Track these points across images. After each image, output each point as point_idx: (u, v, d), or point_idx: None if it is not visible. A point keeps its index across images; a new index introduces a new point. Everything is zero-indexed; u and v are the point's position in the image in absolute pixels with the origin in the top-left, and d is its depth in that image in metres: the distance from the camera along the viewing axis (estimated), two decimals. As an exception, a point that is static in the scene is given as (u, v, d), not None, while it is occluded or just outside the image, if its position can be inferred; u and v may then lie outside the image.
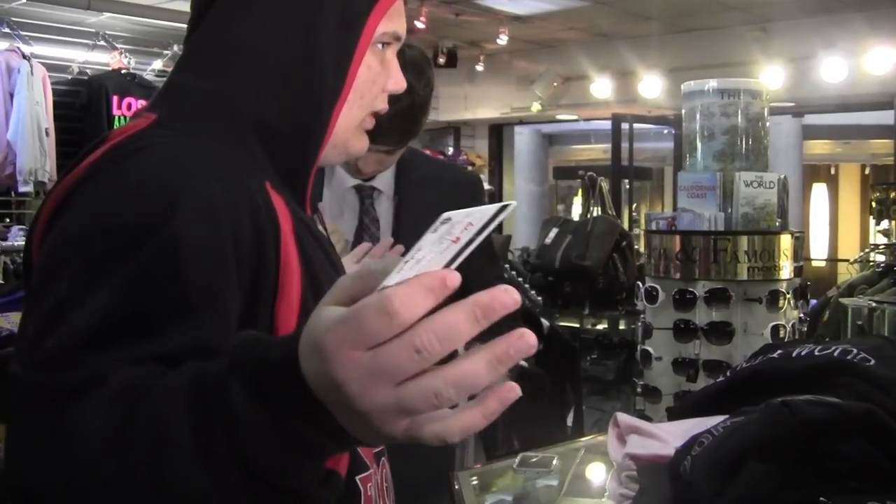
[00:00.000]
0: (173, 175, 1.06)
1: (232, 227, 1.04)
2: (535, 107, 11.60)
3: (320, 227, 1.36)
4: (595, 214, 6.91)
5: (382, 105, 1.31)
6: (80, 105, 7.32)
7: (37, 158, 6.79)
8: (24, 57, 6.86)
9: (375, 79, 1.27)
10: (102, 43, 7.49)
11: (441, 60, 11.25)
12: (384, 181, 2.14)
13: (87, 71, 7.50)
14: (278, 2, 1.20)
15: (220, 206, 1.05)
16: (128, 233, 1.01)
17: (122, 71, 7.47)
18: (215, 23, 1.21)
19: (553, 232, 6.62)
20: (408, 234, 2.03)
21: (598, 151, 14.92)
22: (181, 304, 0.98)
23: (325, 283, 1.16)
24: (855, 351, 1.57)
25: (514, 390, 0.75)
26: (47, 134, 6.90)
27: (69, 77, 7.45)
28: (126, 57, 7.53)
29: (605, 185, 7.34)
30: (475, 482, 2.08)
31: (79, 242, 1.03)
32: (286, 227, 1.12)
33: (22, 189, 6.91)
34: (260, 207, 1.09)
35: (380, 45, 1.28)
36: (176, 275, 0.99)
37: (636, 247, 6.63)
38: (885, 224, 6.64)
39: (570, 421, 5.59)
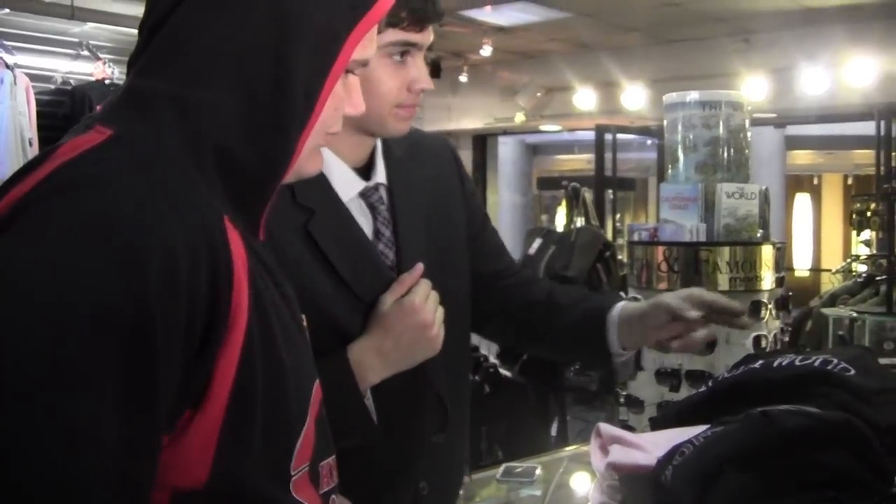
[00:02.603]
0: (134, 223, 0.96)
1: (190, 289, 0.99)
2: (519, 117, 11.63)
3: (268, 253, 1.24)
4: (579, 225, 6.94)
5: (338, 128, 1.24)
6: (63, 115, 7.30)
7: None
8: (8, 67, 6.84)
9: (338, 105, 1.21)
10: (86, 53, 7.48)
11: (425, 71, 11.27)
12: (380, 171, 1.92)
13: (71, 81, 7.48)
14: (252, 9, 1.10)
15: (181, 266, 0.98)
16: (104, 312, 0.93)
17: (106, 81, 7.45)
18: (183, 24, 1.10)
19: (537, 242, 6.64)
20: (405, 225, 1.89)
21: (581, 162, 14.96)
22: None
23: (273, 320, 1.12)
24: (835, 361, 1.58)
25: None
26: (31, 144, 6.88)
27: (53, 87, 7.44)
28: (110, 67, 7.51)
29: (588, 195, 7.37)
30: (459, 492, 2.08)
31: (45, 307, 0.92)
32: (241, 271, 1.06)
33: (5, 199, 6.90)
34: (218, 256, 1.03)
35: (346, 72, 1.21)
36: (150, 364, 0.97)
37: (620, 257, 6.65)
38: (866, 234, 6.68)
39: (554, 431, 5.60)
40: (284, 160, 1.14)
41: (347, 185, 1.85)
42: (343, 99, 1.22)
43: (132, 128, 1.06)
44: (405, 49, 1.77)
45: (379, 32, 1.61)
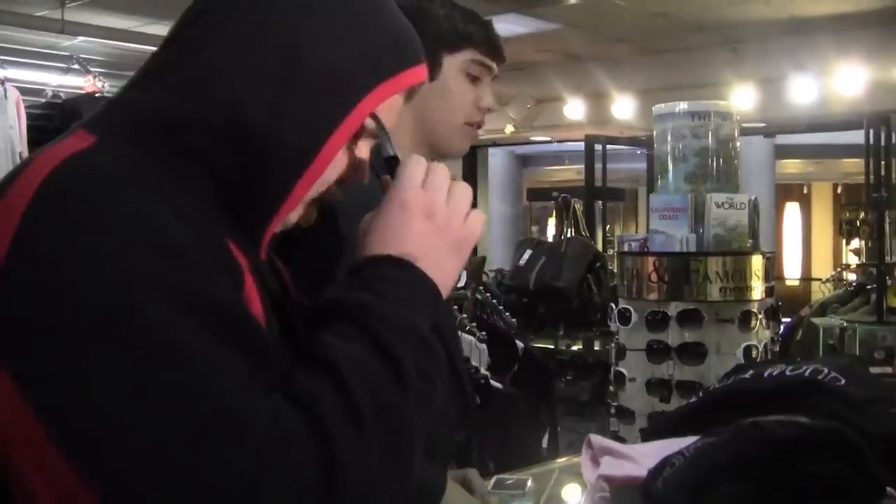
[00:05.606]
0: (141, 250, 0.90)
1: None
2: (509, 129, 11.62)
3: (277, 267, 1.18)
4: (569, 236, 6.95)
5: (329, 198, 1.14)
6: (54, 128, 7.27)
7: (10, 182, 6.77)
8: (-2, 81, 6.84)
9: (343, 167, 1.12)
10: (77, 66, 7.48)
11: (415, 83, 11.27)
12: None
13: (62, 94, 7.48)
14: (263, 34, 1.03)
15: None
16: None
17: (97, 94, 7.45)
18: (192, 39, 1.06)
19: (527, 253, 6.65)
20: None
21: (571, 172, 14.98)
22: None
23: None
24: (826, 370, 1.59)
25: None
26: (21, 157, 6.87)
27: (43, 100, 7.43)
28: (100, 80, 7.51)
29: (578, 206, 7.38)
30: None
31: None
32: (252, 294, 1.01)
33: (-5, 213, 6.88)
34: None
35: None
36: None
37: (610, 268, 6.65)
38: (855, 243, 6.69)
39: (545, 442, 5.60)
40: (274, 201, 1.04)
41: None
42: (348, 164, 1.12)
43: (115, 138, 1.00)
44: (480, 70, 1.96)
45: (457, 51, 1.91)
